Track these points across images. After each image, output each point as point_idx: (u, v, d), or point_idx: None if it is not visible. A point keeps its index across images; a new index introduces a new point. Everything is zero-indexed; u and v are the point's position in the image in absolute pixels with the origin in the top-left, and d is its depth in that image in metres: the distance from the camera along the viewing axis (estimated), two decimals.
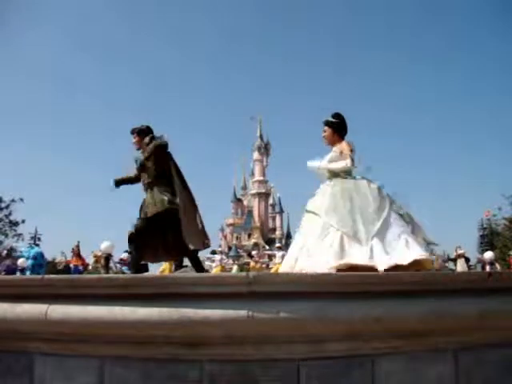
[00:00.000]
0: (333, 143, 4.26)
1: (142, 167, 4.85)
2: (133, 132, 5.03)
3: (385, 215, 3.64)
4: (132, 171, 5.09)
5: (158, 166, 4.76)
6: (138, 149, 5.02)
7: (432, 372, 2.34)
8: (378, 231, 3.53)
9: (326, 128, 4.30)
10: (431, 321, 2.27)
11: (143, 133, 5.00)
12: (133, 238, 4.68)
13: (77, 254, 14.30)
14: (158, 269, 12.17)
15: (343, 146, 4.14)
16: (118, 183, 5.07)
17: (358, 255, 3.42)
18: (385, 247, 3.45)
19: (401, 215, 3.77)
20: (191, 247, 4.58)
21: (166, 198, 4.60)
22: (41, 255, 12.97)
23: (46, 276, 2.60)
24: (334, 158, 4.12)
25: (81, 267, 13.94)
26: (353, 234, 3.53)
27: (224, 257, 18.76)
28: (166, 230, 4.69)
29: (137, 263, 4.79)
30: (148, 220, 4.65)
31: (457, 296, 2.34)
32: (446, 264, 15.95)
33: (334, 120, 4.30)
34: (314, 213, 3.86)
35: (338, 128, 4.29)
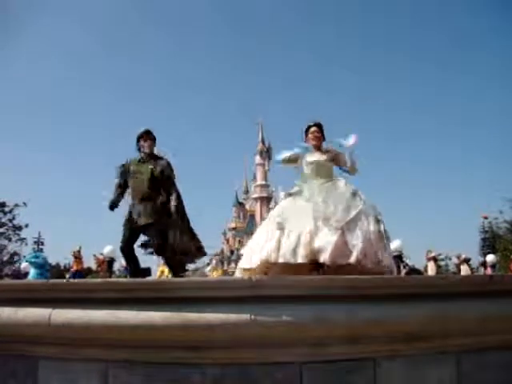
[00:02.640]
0: (320, 146, 4.56)
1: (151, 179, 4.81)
2: (148, 133, 4.98)
3: (356, 211, 3.80)
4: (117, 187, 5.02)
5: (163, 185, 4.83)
6: (139, 150, 4.99)
7: (433, 375, 2.35)
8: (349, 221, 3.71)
9: (319, 130, 4.59)
10: (433, 324, 2.27)
11: (154, 140, 5.03)
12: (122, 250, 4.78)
13: (76, 258, 14.16)
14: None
15: (330, 147, 4.51)
16: (114, 206, 4.99)
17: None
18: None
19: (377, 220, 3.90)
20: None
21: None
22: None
23: (50, 280, 2.61)
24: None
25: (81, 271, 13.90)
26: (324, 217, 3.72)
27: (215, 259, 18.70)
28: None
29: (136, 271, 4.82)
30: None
31: (458, 299, 2.34)
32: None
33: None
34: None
35: (323, 133, 4.63)
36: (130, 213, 4.74)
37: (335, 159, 4.42)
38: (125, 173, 4.93)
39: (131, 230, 4.71)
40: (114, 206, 4.95)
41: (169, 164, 4.90)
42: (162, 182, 4.77)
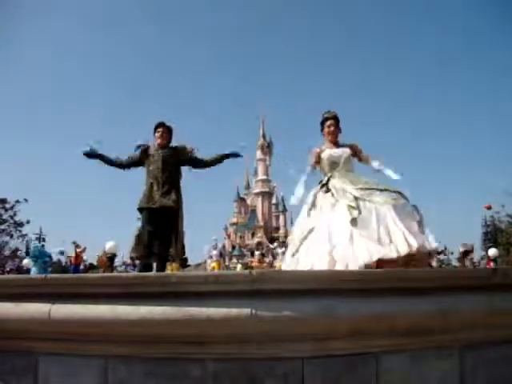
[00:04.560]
0: (336, 141, 4.41)
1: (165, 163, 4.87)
2: (163, 125, 5.05)
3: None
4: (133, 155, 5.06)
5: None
6: (160, 145, 5.03)
7: (437, 370, 2.32)
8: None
9: (335, 123, 4.42)
10: (436, 318, 2.25)
11: (171, 132, 5.09)
12: None
13: (77, 255, 14.26)
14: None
15: (353, 142, 4.43)
16: (92, 156, 4.98)
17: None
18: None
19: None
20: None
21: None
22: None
23: (49, 275, 2.59)
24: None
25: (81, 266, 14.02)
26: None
27: (216, 252, 18.67)
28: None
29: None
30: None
31: (462, 293, 2.32)
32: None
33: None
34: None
35: (339, 126, 4.49)
36: (147, 194, 4.79)
37: (353, 152, 4.34)
38: (145, 153, 4.98)
39: (150, 211, 4.74)
40: (93, 154, 4.95)
41: (178, 152, 4.96)
42: (172, 168, 4.87)
